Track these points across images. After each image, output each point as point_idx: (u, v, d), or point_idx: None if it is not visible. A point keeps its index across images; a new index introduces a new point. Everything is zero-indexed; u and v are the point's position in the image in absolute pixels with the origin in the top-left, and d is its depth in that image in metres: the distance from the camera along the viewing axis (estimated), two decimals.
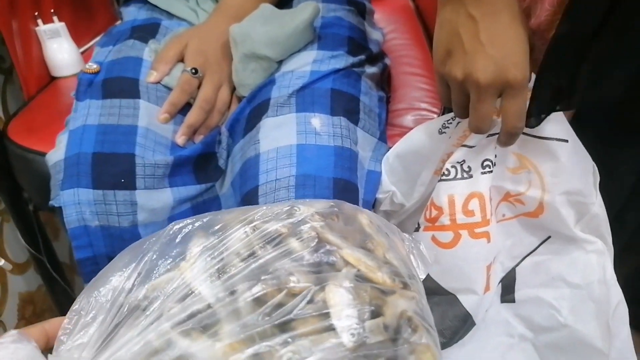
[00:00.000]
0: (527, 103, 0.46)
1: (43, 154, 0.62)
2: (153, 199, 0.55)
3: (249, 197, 0.53)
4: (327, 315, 0.26)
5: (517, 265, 0.60)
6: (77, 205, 0.53)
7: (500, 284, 0.60)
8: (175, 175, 0.57)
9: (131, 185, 0.54)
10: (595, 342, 0.54)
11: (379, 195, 0.61)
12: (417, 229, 0.58)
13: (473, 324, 0.58)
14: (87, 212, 0.53)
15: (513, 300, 0.60)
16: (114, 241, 0.54)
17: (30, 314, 0.86)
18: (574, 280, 0.56)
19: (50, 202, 0.55)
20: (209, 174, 0.60)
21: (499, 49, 0.42)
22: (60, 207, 0.54)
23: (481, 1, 0.42)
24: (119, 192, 0.53)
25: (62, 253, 0.90)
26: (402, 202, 0.62)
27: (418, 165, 0.59)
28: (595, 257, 0.56)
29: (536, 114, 0.47)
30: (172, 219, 0.58)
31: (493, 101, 0.45)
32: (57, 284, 0.82)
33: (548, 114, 0.49)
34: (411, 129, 0.62)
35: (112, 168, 0.53)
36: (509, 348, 0.60)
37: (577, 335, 0.55)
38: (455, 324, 0.57)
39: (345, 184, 0.53)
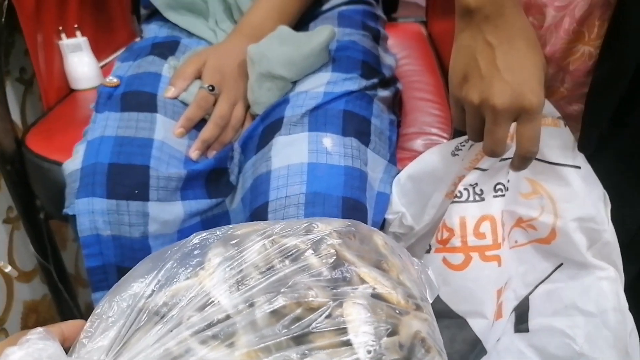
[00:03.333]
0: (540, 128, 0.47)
1: (59, 164, 0.63)
2: (165, 211, 0.56)
3: (259, 213, 0.53)
4: (344, 331, 0.26)
5: (530, 293, 0.59)
6: (90, 214, 0.53)
7: (513, 312, 0.59)
8: (187, 188, 0.58)
9: (144, 197, 0.54)
10: None
11: (389, 216, 0.62)
12: (428, 251, 0.58)
13: (483, 351, 0.57)
14: (100, 221, 0.53)
15: (527, 330, 0.59)
16: (124, 251, 0.55)
17: (34, 323, 0.86)
18: (587, 308, 0.56)
19: (65, 210, 0.56)
20: (220, 189, 0.61)
21: (515, 74, 0.43)
22: (73, 216, 0.55)
23: (498, 28, 0.43)
24: (132, 202, 0.54)
25: (68, 264, 0.90)
26: (411, 225, 0.62)
27: (430, 187, 0.59)
28: (607, 285, 0.56)
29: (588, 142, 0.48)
30: (181, 232, 0.58)
31: (508, 125, 0.45)
32: (63, 293, 0.82)
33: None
34: (421, 152, 0.62)
35: (126, 179, 0.54)
36: None
37: None
38: (464, 348, 0.56)
39: (355, 204, 0.54)
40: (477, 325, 0.56)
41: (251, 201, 0.55)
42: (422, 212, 0.61)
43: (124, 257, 0.55)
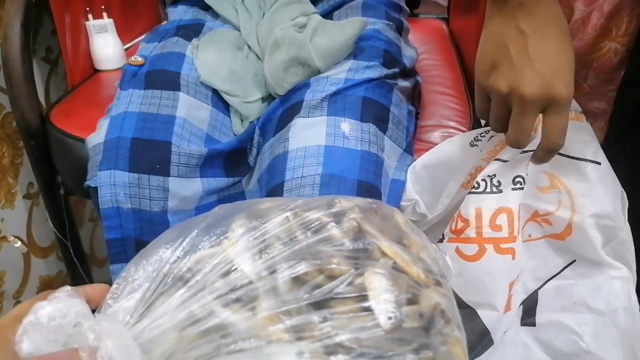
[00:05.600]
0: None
1: (81, 140, 0.64)
2: (184, 187, 0.57)
3: (274, 193, 0.54)
4: (365, 298, 0.26)
5: (539, 287, 0.59)
6: (112, 186, 0.54)
7: (521, 306, 0.59)
8: (206, 166, 0.59)
9: (165, 172, 0.55)
10: None
11: (402, 203, 0.62)
12: (441, 240, 0.58)
13: (491, 342, 0.57)
14: (121, 194, 0.54)
15: (534, 324, 0.59)
16: (144, 224, 0.56)
17: None
18: (597, 306, 0.55)
19: (86, 182, 0.57)
20: (238, 169, 0.62)
21: (547, 64, 0.42)
22: (94, 188, 0.56)
23: (532, 16, 0.42)
24: (153, 177, 0.55)
25: (84, 243, 0.92)
26: (424, 213, 0.62)
27: (446, 176, 0.60)
28: (619, 284, 0.55)
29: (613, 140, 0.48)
30: (199, 209, 0.59)
31: (536, 116, 0.45)
32: (78, 270, 0.83)
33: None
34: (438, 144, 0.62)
35: (148, 154, 0.55)
36: None
37: None
38: (472, 338, 0.56)
39: (370, 187, 0.54)
40: (487, 317, 0.56)
41: (267, 181, 0.56)
42: (436, 201, 0.61)
43: (142, 230, 0.56)
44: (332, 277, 0.27)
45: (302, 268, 0.27)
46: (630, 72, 0.49)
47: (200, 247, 0.31)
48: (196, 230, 0.32)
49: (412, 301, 0.27)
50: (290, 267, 0.28)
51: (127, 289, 0.29)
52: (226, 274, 0.29)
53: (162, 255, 0.30)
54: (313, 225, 0.31)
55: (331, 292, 0.26)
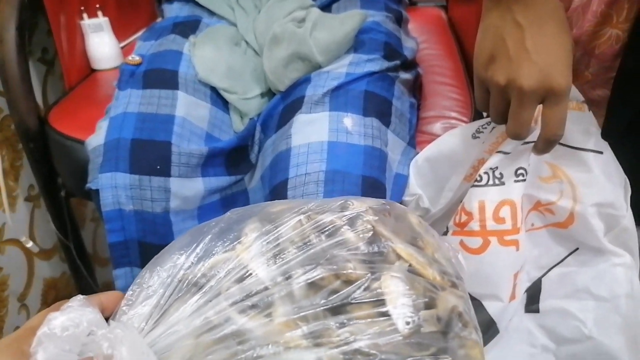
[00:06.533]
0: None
1: (81, 141, 0.64)
2: (186, 187, 0.56)
3: (278, 190, 0.54)
4: (382, 302, 0.27)
5: (543, 275, 0.60)
6: (113, 188, 0.54)
7: (525, 293, 0.60)
8: (207, 165, 0.59)
9: (166, 172, 0.55)
10: (621, 356, 0.54)
11: (405, 198, 0.62)
12: (445, 233, 0.58)
13: (497, 331, 0.58)
14: (123, 196, 0.54)
15: (537, 311, 0.60)
16: (146, 226, 0.56)
17: (53, 299, 0.88)
18: (600, 293, 0.56)
19: (88, 185, 0.57)
20: (240, 166, 0.62)
21: (544, 56, 0.43)
22: (96, 191, 0.55)
23: (529, 9, 0.42)
24: (154, 178, 0.55)
25: (86, 244, 0.92)
26: (427, 207, 0.62)
27: (448, 169, 0.60)
28: (622, 271, 0.56)
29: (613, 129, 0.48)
30: (201, 208, 0.59)
31: (534, 108, 0.45)
32: (82, 271, 0.83)
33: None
34: (440, 136, 0.62)
35: (149, 154, 0.55)
36: (531, 358, 0.60)
37: (602, 349, 0.55)
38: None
39: (374, 182, 0.54)
40: (492, 308, 0.56)
41: (270, 178, 0.56)
42: (439, 194, 0.62)
43: (145, 232, 0.56)
44: (348, 282, 0.27)
45: (318, 273, 0.27)
46: (627, 59, 0.48)
47: (214, 252, 0.31)
48: (209, 236, 0.32)
49: (430, 305, 0.27)
50: (306, 273, 0.28)
51: (142, 295, 0.29)
52: (241, 279, 0.29)
53: (176, 261, 0.31)
54: (327, 228, 0.31)
55: (348, 298, 0.26)
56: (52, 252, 0.87)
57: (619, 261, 0.56)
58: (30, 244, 0.78)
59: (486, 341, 0.59)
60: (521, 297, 0.59)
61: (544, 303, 0.59)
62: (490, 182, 0.55)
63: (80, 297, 0.28)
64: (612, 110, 0.49)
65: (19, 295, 0.79)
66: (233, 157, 0.61)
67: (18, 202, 0.77)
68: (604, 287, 0.56)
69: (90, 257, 0.92)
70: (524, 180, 0.55)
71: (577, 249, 0.58)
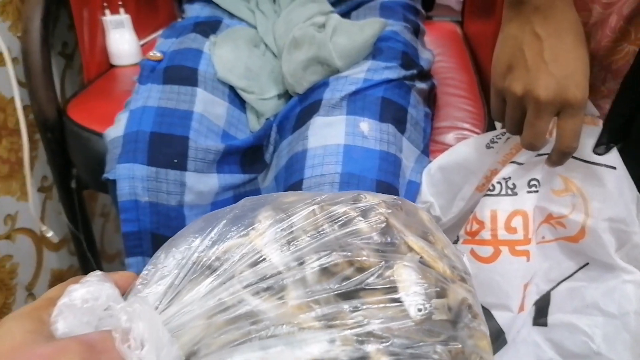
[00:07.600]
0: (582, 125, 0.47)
1: (98, 133, 0.65)
2: (201, 182, 0.57)
3: (293, 190, 0.54)
4: (395, 290, 0.27)
5: (552, 289, 0.59)
6: (131, 179, 0.55)
7: (534, 306, 0.60)
8: (223, 162, 0.59)
9: (183, 167, 0.56)
10: None
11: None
12: (455, 242, 0.59)
13: (505, 341, 0.57)
14: (139, 187, 0.55)
15: (545, 324, 0.59)
16: (160, 218, 0.56)
17: None
18: (608, 309, 0.56)
19: (105, 175, 0.57)
20: (255, 165, 0.62)
21: (561, 68, 0.43)
22: (112, 181, 0.56)
23: (548, 21, 0.43)
24: (170, 171, 0.56)
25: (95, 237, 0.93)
26: (439, 215, 0.62)
27: (461, 178, 0.60)
28: (632, 288, 0.55)
29: (606, 143, 0.48)
30: (215, 204, 0.60)
31: (550, 119, 0.46)
32: (90, 264, 0.84)
33: (617, 143, 0.50)
34: (452, 146, 0.63)
35: (167, 148, 0.56)
36: None
37: None
38: None
39: (388, 187, 0.55)
40: (501, 318, 0.56)
41: (286, 178, 0.56)
42: (451, 203, 0.62)
43: (159, 224, 0.56)
44: (361, 269, 0.28)
45: (332, 259, 0.28)
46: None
47: (228, 237, 0.31)
48: (224, 221, 0.32)
49: (441, 294, 0.27)
50: (320, 258, 0.28)
51: (157, 275, 0.30)
52: (254, 264, 0.29)
53: (190, 244, 0.31)
54: (340, 219, 0.31)
55: (362, 284, 0.27)
56: (61, 244, 0.87)
57: (629, 278, 0.56)
58: (50, 234, 0.79)
59: (494, 351, 0.58)
60: (530, 310, 0.59)
61: (552, 317, 0.59)
62: (503, 192, 0.55)
63: (98, 272, 0.29)
64: (614, 107, 0.48)
65: (27, 284, 0.80)
66: (248, 156, 0.62)
67: (31, 192, 0.78)
68: (614, 303, 0.55)
69: (98, 252, 0.92)
70: (537, 191, 0.55)
71: (587, 263, 0.58)
